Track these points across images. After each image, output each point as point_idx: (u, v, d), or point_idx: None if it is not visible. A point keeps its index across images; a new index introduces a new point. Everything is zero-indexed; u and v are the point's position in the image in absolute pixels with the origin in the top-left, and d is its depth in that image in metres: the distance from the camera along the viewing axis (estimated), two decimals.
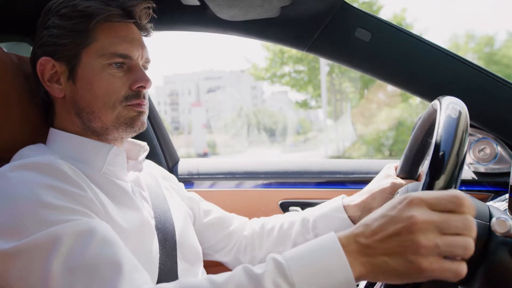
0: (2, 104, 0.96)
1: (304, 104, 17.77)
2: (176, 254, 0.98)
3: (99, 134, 0.96)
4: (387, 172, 1.16)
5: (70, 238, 0.69)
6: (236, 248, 1.23)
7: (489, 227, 0.75)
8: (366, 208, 1.12)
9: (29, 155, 0.89)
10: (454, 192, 0.60)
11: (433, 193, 0.60)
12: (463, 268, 0.58)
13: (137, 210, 0.93)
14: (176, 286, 0.66)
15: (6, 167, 0.80)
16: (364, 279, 0.63)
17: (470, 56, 14.58)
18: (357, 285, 0.72)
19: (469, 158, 1.46)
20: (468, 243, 0.58)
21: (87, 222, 0.72)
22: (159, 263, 0.91)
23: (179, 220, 1.07)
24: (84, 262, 0.67)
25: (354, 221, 1.13)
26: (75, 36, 0.93)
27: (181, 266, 0.99)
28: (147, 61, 1.01)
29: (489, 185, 1.46)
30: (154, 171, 1.19)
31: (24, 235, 0.69)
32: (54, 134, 0.97)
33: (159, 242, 0.95)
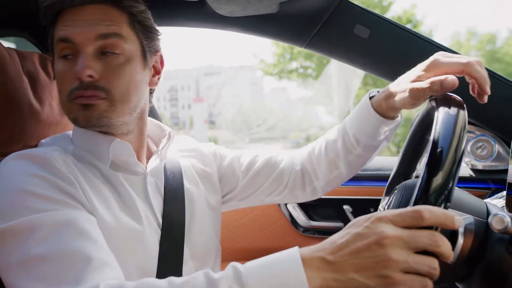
0: (1, 100, 0.96)
1: (309, 101, 17.68)
2: (183, 252, 0.95)
3: None
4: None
5: (48, 227, 0.73)
6: (291, 185, 1.19)
7: (487, 224, 0.75)
8: (387, 92, 0.98)
9: (45, 143, 0.95)
10: (414, 208, 0.60)
11: (396, 211, 0.61)
12: (429, 284, 0.59)
13: (135, 210, 0.90)
14: (137, 285, 0.67)
15: (12, 154, 0.84)
16: None
17: (473, 54, 14.53)
18: None
19: (467, 156, 1.47)
20: (433, 263, 0.58)
21: (68, 213, 0.76)
22: (159, 262, 0.90)
23: (194, 215, 1.02)
24: (57, 251, 0.71)
25: (378, 111, 1.00)
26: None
27: (189, 264, 0.97)
28: (104, 36, 0.87)
29: (487, 182, 1.46)
30: (183, 147, 1.15)
31: (10, 218, 0.74)
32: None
33: (162, 240, 0.92)
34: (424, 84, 0.84)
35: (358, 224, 0.62)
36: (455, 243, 0.73)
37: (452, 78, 0.80)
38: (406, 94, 0.89)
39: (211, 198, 1.11)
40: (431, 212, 0.59)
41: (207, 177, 1.13)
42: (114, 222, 0.85)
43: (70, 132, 0.98)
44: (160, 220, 0.94)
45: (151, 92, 1.02)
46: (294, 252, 0.63)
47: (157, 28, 0.99)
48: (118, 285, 0.67)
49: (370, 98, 1.02)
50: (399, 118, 1.02)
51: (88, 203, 0.82)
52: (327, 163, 1.13)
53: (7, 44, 1.07)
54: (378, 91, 1.01)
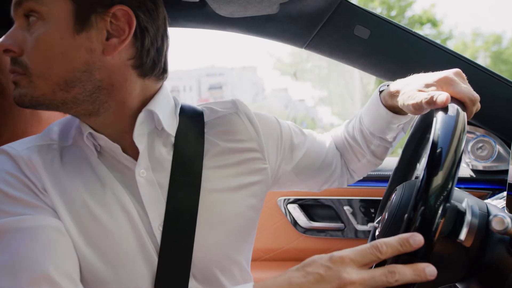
0: (3, 100, 0.97)
1: (321, 101, 17.55)
2: (190, 271, 0.80)
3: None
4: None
5: (11, 233, 0.70)
6: (338, 172, 1.12)
7: (487, 224, 0.75)
8: (393, 96, 0.92)
9: (50, 131, 0.85)
10: (372, 243, 0.61)
11: (356, 249, 0.62)
12: None
13: (115, 214, 0.78)
14: None
15: None
16: None
17: (482, 55, 14.42)
18: None
19: (467, 156, 1.47)
20: None
21: (34, 219, 0.72)
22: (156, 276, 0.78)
23: (209, 217, 0.84)
24: (16, 261, 0.68)
25: (391, 109, 0.95)
26: None
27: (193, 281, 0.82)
28: (17, 4, 0.74)
29: (487, 182, 1.46)
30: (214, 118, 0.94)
31: None
32: None
33: (159, 266, 0.78)
34: (424, 97, 0.78)
35: (319, 263, 0.61)
36: (463, 222, 0.73)
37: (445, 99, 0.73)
38: (408, 102, 0.82)
39: (249, 201, 0.90)
40: (386, 244, 0.60)
41: (252, 172, 0.92)
42: (86, 244, 0.76)
43: (74, 119, 0.87)
44: (158, 237, 0.79)
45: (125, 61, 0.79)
46: None
47: None
48: None
49: (380, 92, 0.97)
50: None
51: (58, 212, 0.75)
52: (352, 152, 1.10)
53: None
54: (388, 85, 0.94)
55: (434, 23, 12.63)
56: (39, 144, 0.81)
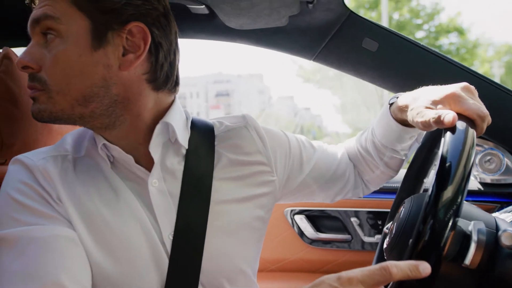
0: (15, 110, 0.98)
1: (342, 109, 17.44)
2: (198, 279, 0.82)
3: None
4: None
5: (24, 242, 0.71)
6: (352, 181, 1.13)
7: (496, 238, 0.75)
8: (402, 110, 0.92)
9: (64, 142, 0.86)
10: (381, 264, 0.61)
11: (365, 270, 0.61)
12: None
13: (130, 225, 0.79)
14: None
15: (14, 157, 0.82)
16: None
17: (496, 65, 14.28)
18: None
19: (475, 169, 1.46)
20: None
21: (50, 229, 0.73)
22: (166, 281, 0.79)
23: (219, 227, 0.85)
24: (30, 271, 0.69)
25: (401, 123, 0.96)
26: None
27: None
28: (35, 22, 0.76)
29: (495, 196, 1.45)
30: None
31: None
32: None
33: (170, 264, 0.80)
34: (432, 116, 0.77)
35: (327, 284, 0.61)
36: (468, 248, 0.73)
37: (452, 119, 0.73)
38: (417, 119, 0.81)
39: (257, 212, 0.92)
40: (397, 267, 0.60)
41: (259, 184, 0.93)
42: (102, 240, 0.77)
43: (86, 130, 0.89)
44: (169, 246, 0.80)
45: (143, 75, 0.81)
46: None
47: None
48: None
49: (390, 104, 0.96)
50: None
51: (72, 221, 0.77)
52: (366, 163, 1.10)
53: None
54: (397, 97, 0.94)
55: (460, 32, 12.55)
56: (54, 154, 0.82)
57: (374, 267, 0.61)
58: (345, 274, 0.61)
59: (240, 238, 0.88)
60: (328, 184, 1.08)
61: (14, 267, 0.70)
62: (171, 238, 0.80)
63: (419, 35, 12.35)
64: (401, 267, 0.60)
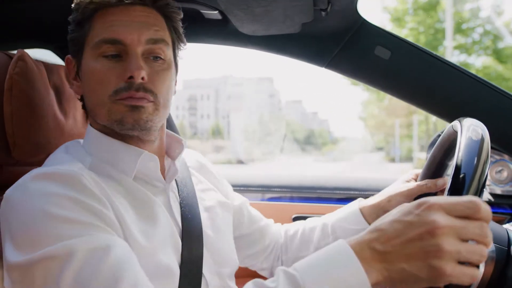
0: (28, 111, 0.99)
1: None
2: (202, 267, 0.89)
3: (112, 135, 0.88)
4: (407, 177, 1.15)
5: (84, 254, 0.67)
6: (273, 256, 1.22)
7: (508, 252, 0.74)
8: (381, 210, 1.09)
9: (62, 159, 0.86)
10: (470, 198, 0.59)
11: (450, 198, 0.60)
12: (477, 273, 0.58)
13: (160, 225, 0.85)
14: None
15: (28, 176, 0.77)
16: (380, 287, 0.61)
17: None
18: None
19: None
20: (484, 251, 0.58)
21: (103, 238, 0.70)
22: (180, 277, 0.84)
23: (212, 227, 0.99)
24: (94, 279, 0.65)
25: (369, 222, 1.10)
26: (78, 29, 0.89)
27: (208, 278, 0.91)
28: (153, 41, 0.86)
29: (506, 207, 1.44)
30: (191, 162, 1.10)
31: (39, 247, 0.67)
32: (88, 132, 0.92)
33: (182, 255, 0.86)
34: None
35: (408, 211, 0.61)
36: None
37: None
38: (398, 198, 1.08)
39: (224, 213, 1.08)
40: (486, 206, 0.58)
41: (218, 188, 1.12)
42: (145, 240, 0.80)
43: (81, 140, 0.94)
44: (180, 235, 0.89)
45: None
46: (343, 245, 0.62)
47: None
48: None
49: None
50: None
51: (120, 225, 0.77)
52: (299, 244, 1.19)
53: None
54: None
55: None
56: (81, 166, 0.83)
57: (461, 198, 0.60)
58: (426, 200, 0.60)
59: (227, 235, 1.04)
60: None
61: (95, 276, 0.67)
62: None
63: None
64: (489, 209, 0.59)
